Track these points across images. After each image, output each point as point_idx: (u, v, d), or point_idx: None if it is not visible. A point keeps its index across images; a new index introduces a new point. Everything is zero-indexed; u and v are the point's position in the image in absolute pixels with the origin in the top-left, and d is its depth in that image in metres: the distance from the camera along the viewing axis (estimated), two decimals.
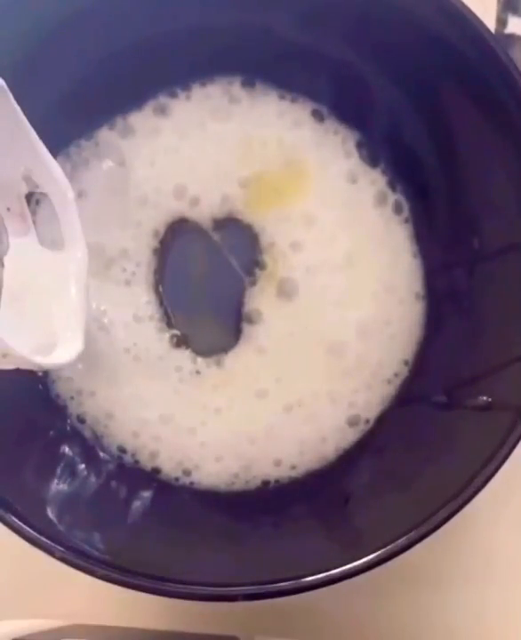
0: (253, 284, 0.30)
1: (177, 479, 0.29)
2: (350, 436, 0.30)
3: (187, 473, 0.29)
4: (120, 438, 0.29)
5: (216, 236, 0.30)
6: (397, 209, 0.30)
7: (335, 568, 0.24)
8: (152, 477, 0.29)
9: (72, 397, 0.30)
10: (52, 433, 0.29)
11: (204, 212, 0.30)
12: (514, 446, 0.24)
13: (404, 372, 0.30)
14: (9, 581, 0.31)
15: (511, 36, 0.31)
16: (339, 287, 0.30)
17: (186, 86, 0.29)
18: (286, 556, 0.26)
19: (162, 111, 0.30)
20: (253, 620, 0.30)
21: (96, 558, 0.25)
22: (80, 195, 0.29)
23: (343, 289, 0.30)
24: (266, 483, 0.29)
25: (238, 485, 0.29)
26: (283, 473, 0.30)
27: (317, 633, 0.31)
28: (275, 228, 0.30)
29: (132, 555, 0.25)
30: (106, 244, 0.29)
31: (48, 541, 0.24)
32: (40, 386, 0.30)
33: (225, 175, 0.30)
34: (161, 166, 0.30)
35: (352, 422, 0.30)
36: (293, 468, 0.30)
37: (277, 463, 0.29)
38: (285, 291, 0.30)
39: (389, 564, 0.24)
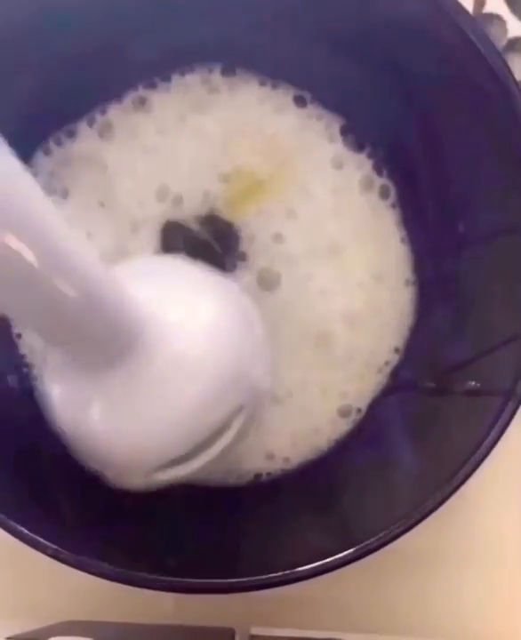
0: (233, 274, 0.30)
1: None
2: (343, 427, 0.30)
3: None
4: None
5: (202, 232, 0.30)
6: (384, 194, 0.30)
7: (329, 556, 0.24)
8: None
9: None
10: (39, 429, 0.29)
11: (186, 211, 0.30)
12: (503, 430, 0.24)
13: (395, 359, 0.30)
14: (2, 579, 0.31)
15: (488, 15, 0.31)
16: (324, 276, 0.30)
17: (165, 76, 0.30)
18: (280, 547, 0.27)
19: (142, 104, 0.30)
20: (249, 612, 0.30)
21: (88, 555, 0.25)
22: (63, 194, 0.30)
23: (329, 278, 0.30)
24: (258, 476, 0.30)
25: (231, 480, 0.30)
26: (275, 466, 0.30)
27: (314, 622, 0.31)
28: (256, 220, 0.30)
29: (124, 550, 0.26)
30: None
31: (39, 538, 0.25)
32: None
33: (206, 170, 0.30)
34: (142, 167, 0.30)
35: (344, 413, 0.30)
36: (286, 460, 0.30)
37: (270, 456, 0.30)
38: (266, 281, 0.30)
39: (384, 550, 0.24)
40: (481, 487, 0.28)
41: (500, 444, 0.25)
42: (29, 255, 0.16)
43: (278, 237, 0.30)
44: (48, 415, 0.25)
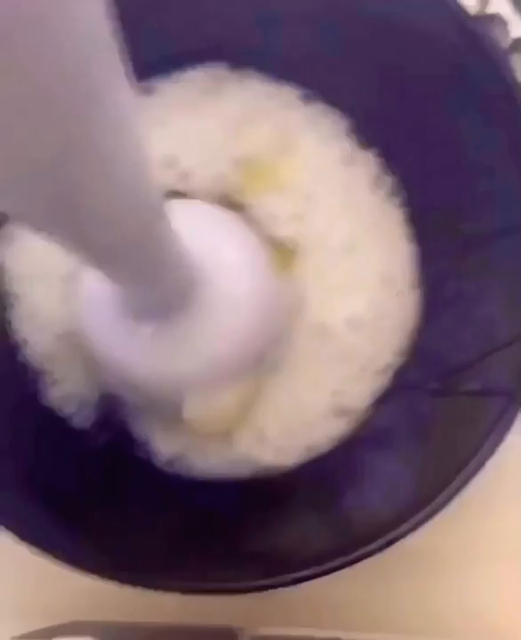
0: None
1: (170, 470, 0.30)
2: (344, 427, 0.30)
3: (180, 464, 0.30)
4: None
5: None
6: (392, 193, 0.30)
7: (331, 558, 0.25)
8: (146, 468, 0.30)
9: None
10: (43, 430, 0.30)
11: (194, 188, 0.30)
12: (506, 430, 0.25)
13: (398, 361, 0.30)
14: (7, 579, 0.32)
15: (492, 16, 0.31)
16: (338, 272, 0.30)
17: (168, 75, 0.30)
18: (282, 547, 0.27)
19: (148, 91, 0.30)
20: (250, 612, 0.31)
21: (90, 556, 0.25)
22: None
23: (342, 275, 0.30)
24: (258, 477, 0.30)
25: (231, 482, 0.30)
26: (276, 467, 0.30)
27: (316, 621, 0.31)
28: (271, 203, 0.30)
29: (127, 551, 0.26)
30: None
31: (42, 541, 0.25)
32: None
33: (216, 153, 0.30)
34: (151, 137, 0.30)
35: (345, 413, 0.30)
36: (286, 461, 0.30)
37: (270, 457, 0.30)
38: (286, 254, 0.30)
39: (388, 549, 0.25)
40: (484, 487, 0.28)
41: (502, 444, 0.25)
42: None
43: (297, 217, 0.30)
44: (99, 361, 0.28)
